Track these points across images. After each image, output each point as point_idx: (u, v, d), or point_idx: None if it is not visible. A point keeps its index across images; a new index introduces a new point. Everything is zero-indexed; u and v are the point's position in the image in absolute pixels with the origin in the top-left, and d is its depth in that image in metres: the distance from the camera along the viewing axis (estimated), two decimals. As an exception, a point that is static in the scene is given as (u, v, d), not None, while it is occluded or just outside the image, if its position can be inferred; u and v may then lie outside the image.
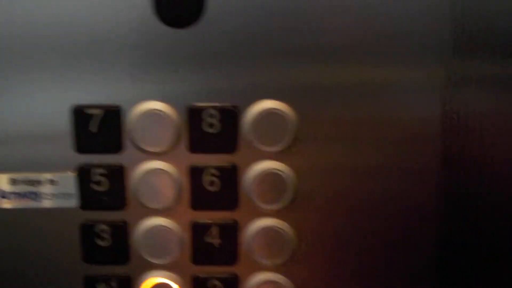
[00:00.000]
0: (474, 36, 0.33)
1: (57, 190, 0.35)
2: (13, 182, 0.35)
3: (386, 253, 0.36)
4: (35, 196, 0.35)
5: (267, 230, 0.35)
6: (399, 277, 0.36)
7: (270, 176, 0.34)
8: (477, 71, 0.33)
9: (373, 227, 0.36)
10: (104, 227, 0.35)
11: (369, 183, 0.35)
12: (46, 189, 0.35)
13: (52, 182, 0.35)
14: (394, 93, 0.33)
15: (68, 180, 0.35)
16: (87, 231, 0.36)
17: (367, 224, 0.35)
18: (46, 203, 0.35)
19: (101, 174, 0.35)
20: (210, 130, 0.34)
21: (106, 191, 0.35)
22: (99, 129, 0.33)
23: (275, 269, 0.36)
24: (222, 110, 0.33)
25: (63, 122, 0.34)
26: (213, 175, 0.34)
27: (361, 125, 0.34)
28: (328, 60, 0.33)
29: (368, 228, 0.36)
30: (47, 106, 0.34)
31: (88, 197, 0.35)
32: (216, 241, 0.36)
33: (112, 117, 0.33)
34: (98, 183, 0.35)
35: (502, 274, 0.37)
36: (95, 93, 0.34)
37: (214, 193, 0.35)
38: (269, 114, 0.33)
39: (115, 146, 0.34)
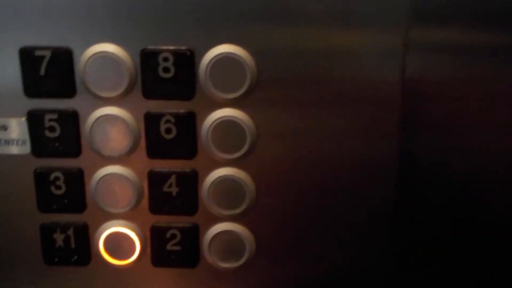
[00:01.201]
0: (434, 1, 0.32)
1: (9, 136, 0.34)
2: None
3: (344, 210, 0.35)
4: (-15, 141, 0.34)
5: (225, 179, 0.34)
6: (355, 234, 0.36)
7: (228, 124, 0.33)
8: (436, 36, 0.32)
9: (331, 184, 0.35)
10: (58, 174, 0.34)
11: (328, 143, 0.34)
12: (-3, 134, 0.34)
13: (3, 127, 0.34)
14: (355, 56, 0.32)
15: (20, 126, 0.34)
16: (42, 179, 0.35)
17: (325, 181, 0.35)
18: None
19: (54, 120, 0.33)
20: (166, 75, 0.32)
21: (59, 137, 0.34)
22: (48, 72, 0.32)
23: (235, 219, 0.36)
24: (177, 54, 0.32)
25: (12, 65, 0.32)
26: (169, 122, 0.33)
27: (321, 87, 0.33)
28: (291, 21, 0.32)
29: (327, 185, 0.35)
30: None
31: (41, 143, 0.34)
32: (174, 190, 0.35)
33: (62, 59, 0.32)
34: (50, 129, 0.33)
35: (455, 233, 0.36)
36: (44, 35, 0.32)
37: (171, 140, 0.34)
38: (226, 58, 0.32)
39: (67, 90, 0.33)
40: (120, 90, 0.33)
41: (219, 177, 0.34)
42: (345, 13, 0.31)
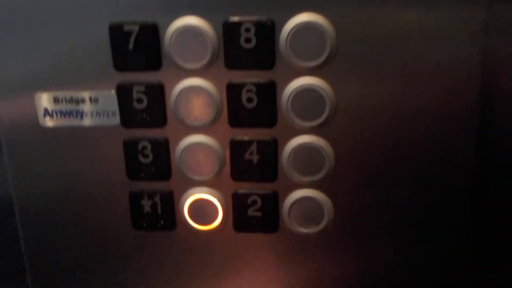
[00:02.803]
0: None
1: (99, 108, 0.36)
2: (56, 100, 0.36)
3: (420, 189, 0.36)
4: (77, 114, 0.36)
5: (305, 147, 0.35)
6: (430, 212, 0.36)
7: (307, 92, 0.34)
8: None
9: (409, 156, 0.35)
10: (146, 144, 0.36)
11: (405, 117, 0.34)
12: (88, 107, 0.36)
13: (95, 100, 0.36)
14: (435, 36, 0.32)
15: (110, 98, 0.36)
16: (130, 149, 0.37)
17: (403, 153, 0.35)
18: (88, 121, 0.36)
19: (141, 92, 0.35)
20: (247, 46, 0.33)
21: (146, 109, 0.35)
22: (135, 46, 0.34)
23: (314, 185, 0.36)
24: (258, 24, 0.33)
25: (103, 40, 0.34)
26: (251, 91, 0.34)
27: (400, 62, 0.33)
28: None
29: (405, 157, 0.35)
30: (86, 24, 0.34)
31: (129, 115, 0.36)
32: (255, 157, 0.36)
33: (148, 33, 0.33)
34: (138, 100, 0.35)
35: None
36: (132, 11, 0.33)
37: (252, 109, 0.35)
38: (306, 27, 0.32)
39: (153, 63, 0.34)
40: (203, 62, 0.34)
41: (299, 144, 0.35)
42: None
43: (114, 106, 0.36)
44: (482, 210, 0.37)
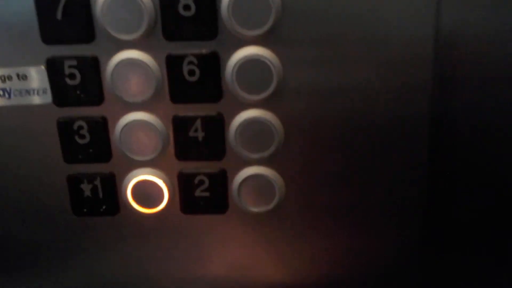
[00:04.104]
0: None
1: (29, 85, 0.33)
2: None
3: (373, 163, 0.35)
4: (4, 93, 0.33)
5: (253, 122, 0.33)
6: (388, 183, 0.35)
7: (253, 63, 0.32)
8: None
9: (363, 135, 0.34)
10: (82, 123, 0.34)
11: (360, 96, 0.33)
12: (15, 85, 0.33)
13: (23, 77, 0.33)
14: (386, 13, 0.31)
15: (40, 74, 0.33)
16: (65, 129, 0.34)
17: (356, 131, 0.34)
18: (17, 100, 0.33)
19: (73, 66, 0.32)
20: (186, 14, 0.31)
21: (80, 85, 0.33)
22: (65, 16, 0.31)
23: (263, 162, 0.35)
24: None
25: (29, 9, 0.31)
26: (192, 63, 0.32)
27: (352, 44, 0.32)
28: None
29: (357, 136, 0.34)
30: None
31: (62, 92, 0.33)
32: (200, 135, 0.34)
33: (78, 1, 0.31)
34: (71, 76, 0.33)
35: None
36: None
37: (195, 83, 0.32)
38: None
39: (86, 34, 0.32)
40: (140, 32, 0.31)
41: (246, 119, 0.33)
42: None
43: (45, 83, 0.33)
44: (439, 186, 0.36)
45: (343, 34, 0.32)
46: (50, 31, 0.31)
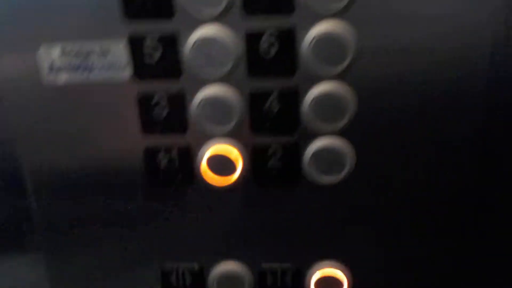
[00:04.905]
0: None
1: (110, 60, 0.34)
2: (62, 54, 0.34)
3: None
4: (88, 68, 0.34)
5: (326, 94, 0.34)
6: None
7: (329, 38, 0.32)
8: None
9: (435, 109, 0.34)
10: (161, 96, 0.35)
11: (433, 65, 0.33)
12: (98, 60, 0.34)
13: (105, 51, 0.34)
14: None
15: (121, 49, 0.34)
16: (145, 102, 0.35)
17: (424, 100, 0.34)
18: (98, 75, 0.35)
19: (154, 42, 0.33)
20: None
21: (160, 60, 0.34)
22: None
23: (336, 134, 0.35)
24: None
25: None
26: (270, 38, 0.33)
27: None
28: None
29: (426, 105, 0.34)
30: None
31: (142, 66, 0.34)
32: (275, 108, 0.35)
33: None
34: (151, 51, 0.34)
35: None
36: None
37: (272, 58, 0.33)
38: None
39: (166, 10, 0.33)
40: (219, 8, 0.32)
41: (320, 92, 0.34)
42: None
43: (125, 58, 0.34)
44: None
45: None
46: (131, 6, 0.32)
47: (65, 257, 0.42)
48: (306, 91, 0.34)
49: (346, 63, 0.33)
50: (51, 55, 0.34)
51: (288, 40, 0.33)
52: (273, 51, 0.33)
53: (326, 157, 0.36)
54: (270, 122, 0.35)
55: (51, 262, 0.42)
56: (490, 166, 0.36)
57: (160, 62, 0.34)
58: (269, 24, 0.33)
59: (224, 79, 0.34)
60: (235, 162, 0.37)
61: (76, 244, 0.41)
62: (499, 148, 0.36)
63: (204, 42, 0.33)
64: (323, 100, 0.34)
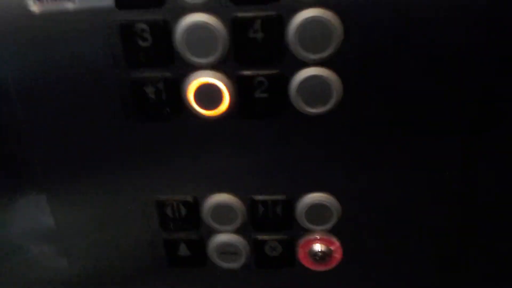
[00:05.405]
0: None
1: (92, -11, 0.34)
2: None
3: None
4: (71, -5, 0.34)
5: (312, 21, 0.33)
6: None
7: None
8: None
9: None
10: (144, 26, 0.34)
11: None
12: (80, -13, 0.34)
13: (86, -19, 0.34)
14: None
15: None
16: (127, 32, 0.35)
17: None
18: (79, 3, 0.34)
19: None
20: None
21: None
22: None
23: (321, 63, 0.35)
24: None
25: None
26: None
27: None
28: None
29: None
30: None
31: (124, -5, 0.34)
32: (259, 36, 0.34)
33: None
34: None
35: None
36: None
37: (255, -17, 0.32)
38: None
39: None
40: None
41: (306, 18, 0.33)
42: None
43: (107, -13, 0.34)
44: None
45: None
46: None
47: (64, 196, 0.43)
48: (290, 17, 0.34)
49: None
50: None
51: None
52: (256, -24, 0.32)
53: (312, 87, 0.36)
54: (255, 51, 0.35)
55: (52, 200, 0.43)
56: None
57: (141, -10, 0.33)
58: None
59: (207, 5, 0.34)
60: (222, 93, 0.36)
61: (72, 182, 0.42)
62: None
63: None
64: (308, 27, 0.33)
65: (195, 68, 0.36)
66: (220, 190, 0.41)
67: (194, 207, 0.42)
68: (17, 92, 0.38)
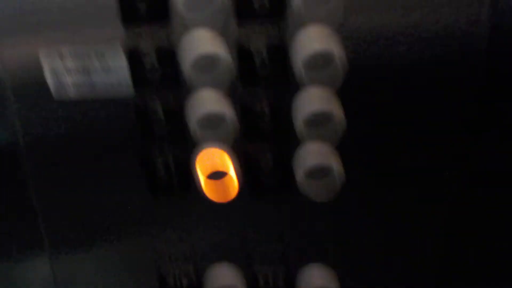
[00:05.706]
0: None
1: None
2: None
3: None
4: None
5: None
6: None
7: None
8: None
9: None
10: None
11: None
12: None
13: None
14: None
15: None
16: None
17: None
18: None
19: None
20: None
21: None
22: None
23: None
24: None
25: None
26: None
27: None
28: None
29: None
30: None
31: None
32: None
33: None
34: None
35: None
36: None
37: None
38: None
39: None
40: None
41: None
42: None
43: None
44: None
45: None
46: None
47: (67, 259, 0.42)
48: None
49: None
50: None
51: None
52: None
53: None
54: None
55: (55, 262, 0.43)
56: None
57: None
58: None
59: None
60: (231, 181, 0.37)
61: (77, 245, 0.42)
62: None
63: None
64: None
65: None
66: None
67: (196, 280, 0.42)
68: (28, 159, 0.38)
